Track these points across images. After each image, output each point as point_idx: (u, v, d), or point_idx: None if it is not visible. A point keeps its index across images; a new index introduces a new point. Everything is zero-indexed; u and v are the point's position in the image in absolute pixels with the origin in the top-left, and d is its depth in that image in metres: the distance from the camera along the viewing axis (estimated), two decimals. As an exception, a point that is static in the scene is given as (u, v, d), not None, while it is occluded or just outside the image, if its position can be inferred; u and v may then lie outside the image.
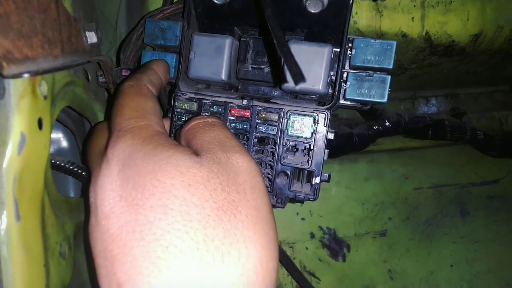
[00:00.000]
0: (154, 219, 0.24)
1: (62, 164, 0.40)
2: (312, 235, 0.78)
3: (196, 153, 0.29)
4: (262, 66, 0.43)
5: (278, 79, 0.42)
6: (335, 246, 0.78)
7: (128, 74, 0.44)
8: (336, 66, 0.42)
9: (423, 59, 0.66)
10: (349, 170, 0.80)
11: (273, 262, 0.26)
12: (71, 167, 0.41)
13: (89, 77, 0.43)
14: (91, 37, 0.42)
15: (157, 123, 0.30)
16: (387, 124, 0.71)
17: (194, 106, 0.42)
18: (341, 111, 0.80)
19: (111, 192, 0.26)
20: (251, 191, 0.27)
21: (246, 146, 0.42)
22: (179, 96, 0.42)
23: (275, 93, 0.45)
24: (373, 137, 0.70)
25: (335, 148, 0.69)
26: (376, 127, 0.71)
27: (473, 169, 0.87)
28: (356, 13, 0.56)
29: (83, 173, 0.41)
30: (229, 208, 0.25)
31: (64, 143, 0.47)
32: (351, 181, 0.80)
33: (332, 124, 0.43)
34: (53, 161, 0.40)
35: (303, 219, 0.78)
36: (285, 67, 0.35)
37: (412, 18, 0.57)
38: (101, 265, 0.26)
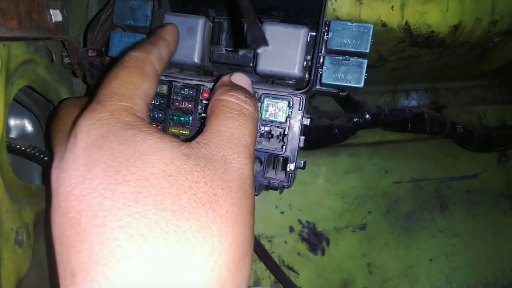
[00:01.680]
0: (123, 205, 0.22)
1: (23, 148, 0.38)
2: (291, 229, 0.77)
3: (202, 133, 0.28)
4: (237, 49, 0.42)
5: (239, 44, 0.40)
6: (314, 239, 0.77)
7: (94, 55, 0.42)
8: (313, 50, 0.41)
9: (402, 50, 0.65)
10: (329, 163, 0.80)
11: (245, 261, 0.25)
12: (32, 152, 0.39)
13: (54, 57, 0.41)
14: (56, 15, 0.40)
15: (142, 109, 0.28)
16: (367, 116, 0.70)
17: (164, 89, 0.40)
18: (322, 104, 0.79)
19: (73, 171, 0.24)
20: (236, 190, 0.25)
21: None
22: (149, 78, 0.40)
23: (252, 79, 0.44)
24: (353, 129, 0.70)
25: (315, 140, 0.68)
26: (356, 119, 0.70)
27: (452, 163, 0.87)
28: (336, 0, 0.55)
29: (45, 158, 0.39)
30: (209, 202, 0.24)
31: (29, 128, 0.44)
32: (331, 175, 0.79)
33: (313, 117, 0.42)
34: (12, 145, 0.38)
35: (282, 212, 0.77)
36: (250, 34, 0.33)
37: (392, 7, 0.56)
38: (58, 251, 0.24)
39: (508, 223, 0.89)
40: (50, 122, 0.33)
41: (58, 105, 0.33)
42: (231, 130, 0.28)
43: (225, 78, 0.34)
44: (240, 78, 0.34)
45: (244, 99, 0.30)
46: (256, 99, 0.33)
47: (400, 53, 0.66)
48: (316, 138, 0.67)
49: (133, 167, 0.23)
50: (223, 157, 0.26)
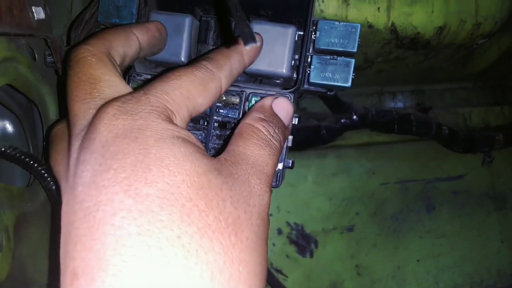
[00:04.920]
0: (147, 210, 0.20)
1: (3, 149, 0.37)
2: (280, 231, 0.76)
3: (228, 152, 0.27)
4: (224, 48, 0.41)
5: (226, 41, 0.40)
6: (303, 242, 0.77)
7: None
8: (300, 49, 0.41)
9: (389, 52, 0.66)
10: (317, 165, 0.80)
11: None
12: (13, 153, 0.37)
13: (36, 56, 0.40)
14: (38, 13, 0.39)
15: (182, 120, 0.26)
16: (354, 117, 0.71)
17: (150, 88, 0.39)
18: (310, 106, 0.79)
19: (99, 156, 0.21)
20: (257, 216, 0.25)
21: (206, 131, 0.40)
22: (134, 77, 0.39)
23: (240, 78, 0.44)
24: (340, 130, 0.70)
25: (303, 141, 0.68)
26: (344, 120, 0.70)
27: (438, 164, 0.88)
28: (323, 1, 0.55)
29: (26, 159, 0.38)
30: (232, 224, 0.22)
31: (9, 129, 0.43)
32: (319, 176, 0.79)
33: (301, 118, 0.41)
34: (-9, 146, 0.37)
35: (270, 215, 0.76)
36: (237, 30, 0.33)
37: (378, 8, 0.57)
38: (63, 240, 0.21)
39: (493, 223, 0.90)
40: (70, 69, 0.27)
41: (82, 53, 0.27)
42: (256, 157, 0.27)
43: (267, 102, 0.33)
44: (281, 106, 0.33)
45: (273, 134, 0.30)
46: (289, 132, 0.33)
47: (386, 55, 0.67)
48: (304, 139, 0.67)
49: (166, 169, 0.21)
50: (248, 180, 0.25)
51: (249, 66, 0.35)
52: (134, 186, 0.20)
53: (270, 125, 0.30)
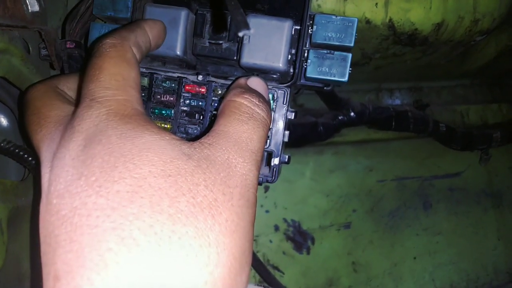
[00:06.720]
0: (118, 205, 0.21)
1: (-4, 142, 0.37)
2: (277, 228, 0.76)
3: (208, 134, 0.26)
4: (220, 42, 0.41)
5: (220, 29, 0.40)
6: (300, 238, 0.76)
7: (73, 46, 0.40)
8: (297, 43, 0.40)
9: (386, 48, 0.65)
10: (314, 162, 0.80)
11: (242, 277, 0.23)
12: (6, 146, 0.37)
13: (30, 49, 0.40)
14: (33, 5, 0.39)
15: (138, 100, 0.26)
16: (351, 114, 0.70)
17: (145, 81, 0.39)
18: (307, 102, 0.79)
19: (70, 168, 0.22)
20: (239, 197, 0.24)
21: (201, 125, 0.40)
22: (129, 70, 0.39)
23: (236, 73, 0.43)
24: (338, 127, 0.70)
25: (300, 137, 0.68)
26: (341, 117, 0.70)
27: (435, 162, 0.88)
28: (320, -4, 0.55)
29: (21, 152, 0.37)
30: (208, 207, 0.22)
31: (3, 122, 0.43)
32: (316, 173, 0.79)
33: (298, 115, 0.41)
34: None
35: (267, 211, 0.76)
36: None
37: (376, 3, 0.57)
38: (44, 252, 0.22)
39: (489, 220, 0.90)
40: (22, 113, 0.31)
41: (27, 94, 0.30)
42: (239, 133, 0.27)
43: (241, 81, 0.33)
44: (256, 82, 0.33)
45: (257, 103, 0.29)
46: (270, 106, 0.32)
47: (384, 51, 0.66)
48: (301, 136, 0.67)
49: (131, 163, 0.22)
50: (227, 160, 0.25)
51: (156, 41, 0.35)
52: (104, 186, 0.21)
53: (252, 95, 0.29)
